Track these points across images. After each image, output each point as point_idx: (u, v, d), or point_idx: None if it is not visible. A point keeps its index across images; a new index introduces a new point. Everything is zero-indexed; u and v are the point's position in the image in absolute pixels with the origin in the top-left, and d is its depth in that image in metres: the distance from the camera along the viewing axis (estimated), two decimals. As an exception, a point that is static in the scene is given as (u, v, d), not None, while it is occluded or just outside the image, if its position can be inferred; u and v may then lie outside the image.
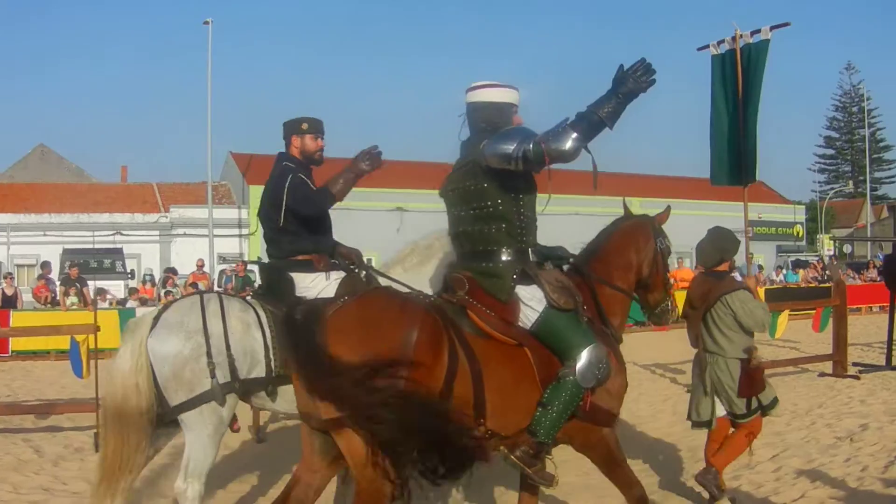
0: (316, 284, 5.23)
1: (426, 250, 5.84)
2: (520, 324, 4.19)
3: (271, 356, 4.86)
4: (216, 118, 48.82)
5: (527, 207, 4.32)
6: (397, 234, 36.39)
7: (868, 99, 63.97)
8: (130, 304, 20.50)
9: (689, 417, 6.34)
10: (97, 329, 8.76)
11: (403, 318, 3.78)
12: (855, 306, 21.99)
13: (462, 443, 3.68)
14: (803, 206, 52.87)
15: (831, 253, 45.09)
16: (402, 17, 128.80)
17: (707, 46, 11.24)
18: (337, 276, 5.31)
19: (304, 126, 5.49)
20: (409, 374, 3.60)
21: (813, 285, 28.13)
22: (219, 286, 21.48)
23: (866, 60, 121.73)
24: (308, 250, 5.30)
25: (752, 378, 5.95)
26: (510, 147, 3.98)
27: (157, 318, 4.82)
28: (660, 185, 41.85)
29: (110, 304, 20.52)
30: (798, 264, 35.51)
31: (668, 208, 5.14)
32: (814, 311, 13.59)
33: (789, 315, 12.88)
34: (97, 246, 31.63)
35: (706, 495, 6.06)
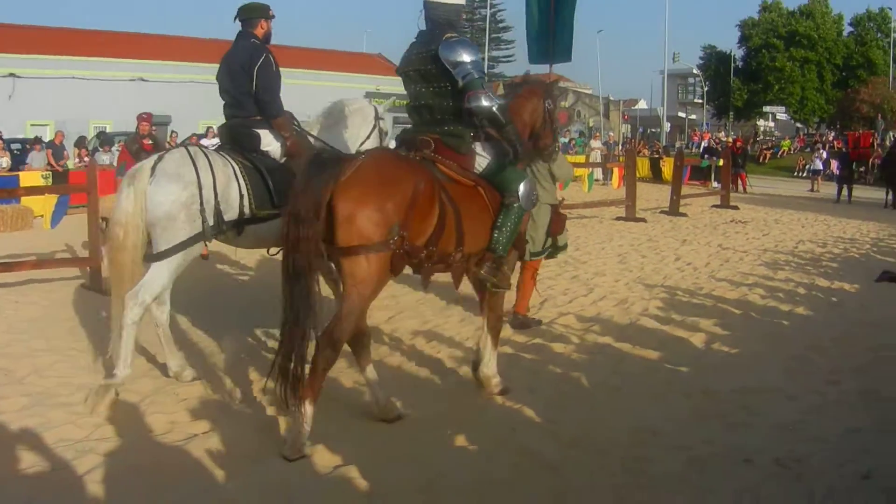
0: (274, 139, 6.61)
1: (334, 116, 7.40)
2: (474, 171, 5.75)
3: (245, 203, 6.19)
4: None
5: None
6: (9, 101, 33.87)
7: (490, -20, 68.57)
8: None
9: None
10: None
11: (410, 172, 5.10)
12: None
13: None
14: (421, 80, 56.00)
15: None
16: None
17: None
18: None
19: (271, 13, 6.74)
20: (415, 214, 4.98)
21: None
22: None
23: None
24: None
25: (560, 219, 7.77)
26: (464, 59, 5.50)
27: (154, 169, 5.93)
28: (282, 53, 44.20)
29: None
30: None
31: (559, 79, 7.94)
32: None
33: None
34: None
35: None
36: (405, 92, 5.97)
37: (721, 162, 24.85)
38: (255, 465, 4.77)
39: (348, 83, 44.83)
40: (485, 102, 5.56)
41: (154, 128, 13.08)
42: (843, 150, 32.67)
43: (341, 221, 4.78)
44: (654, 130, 60.30)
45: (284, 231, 4.81)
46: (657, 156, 35.74)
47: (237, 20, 6.69)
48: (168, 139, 21.70)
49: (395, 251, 4.90)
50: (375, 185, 4.89)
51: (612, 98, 63.10)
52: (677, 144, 47.95)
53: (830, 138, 45.22)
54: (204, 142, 24.05)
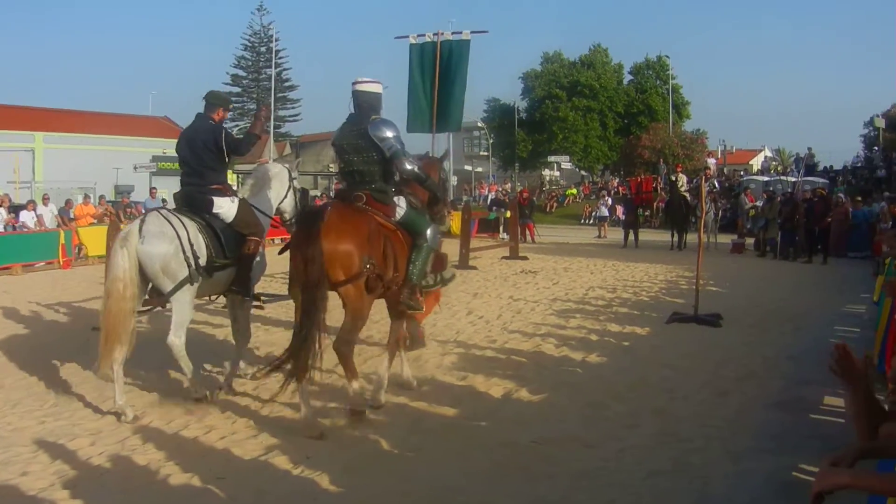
0: (224, 204, 8.04)
1: (259, 181, 8.89)
2: (394, 218, 7.58)
3: (210, 250, 7.71)
4: None
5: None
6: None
7: (277, 40, 70.49)
8: None
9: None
10: None
11: (364, 217, 7.18)
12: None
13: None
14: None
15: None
16: None
17: (406, 36, 16.89)
18: (233, 200, 8.19)
19: (231, 105, 8.45)
20: (372, 246, 7.04)
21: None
22: None
23: (278, 1, 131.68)
24: (222, 181, 8.24)
25: (440, 258, 8.61)
26: (388, 135, 7.45)
27: (140, 230, 7.40)
28: (64, 119, 46.43)
29: None
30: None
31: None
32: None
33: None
34: None
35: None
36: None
37: (508, 213, 25.78)
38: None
39: (133, 147, 45.21)
40: (408, 167, 7.56)
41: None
42: (628, 195, 34.55)
43: (329, 262, 6.71)
44: (441, 184, 61.82)
45: (300, 273, 6.72)
46: (445, 210, 36.58)
47: (203, 100, 8.20)
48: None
49: (370, 276, 6.99)
50: (344, 229, 6.88)
51: (398, 154, 64.27)
52: (464, 198, 49.32)
53: (615, 184, 47.90)
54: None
